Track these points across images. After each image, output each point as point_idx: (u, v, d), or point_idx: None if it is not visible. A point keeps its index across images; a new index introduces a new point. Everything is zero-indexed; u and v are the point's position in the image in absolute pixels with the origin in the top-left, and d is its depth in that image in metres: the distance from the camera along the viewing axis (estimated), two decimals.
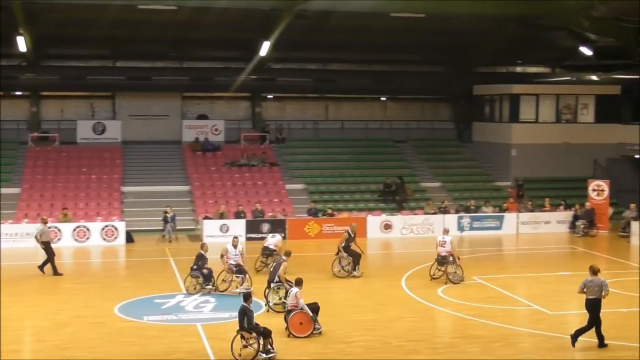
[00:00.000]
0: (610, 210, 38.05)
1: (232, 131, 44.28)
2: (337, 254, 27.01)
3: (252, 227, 34.62)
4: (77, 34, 37.43)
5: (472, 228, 36.28)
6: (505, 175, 42.87)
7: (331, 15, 35.17)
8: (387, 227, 35.64)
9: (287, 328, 19.56)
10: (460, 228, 36.15)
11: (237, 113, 46.44)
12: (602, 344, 18.85)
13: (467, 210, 37.33)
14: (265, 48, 37.43)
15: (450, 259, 25.93)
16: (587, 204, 37.21)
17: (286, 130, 45.31)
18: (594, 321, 18.93)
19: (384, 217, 36.29)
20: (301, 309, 19.49)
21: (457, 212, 37.28)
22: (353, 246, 27.23)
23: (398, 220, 36.00)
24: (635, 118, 44.90)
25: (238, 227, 34.39)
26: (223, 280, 24.30)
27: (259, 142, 43.94)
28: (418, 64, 46.16)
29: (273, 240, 27.63)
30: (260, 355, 17.63)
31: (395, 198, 39.02)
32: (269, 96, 46.71)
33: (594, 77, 45.89)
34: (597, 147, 42.94)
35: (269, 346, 17.80)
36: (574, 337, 18.89)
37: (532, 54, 46.37)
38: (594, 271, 19.33)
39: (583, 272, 26.76)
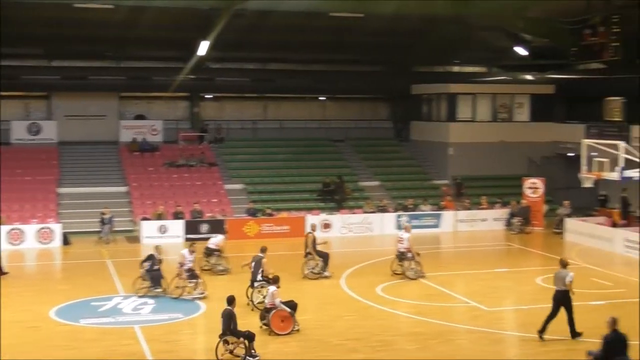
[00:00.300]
0: (545, 208, 38.70)
1: (171, 131, 43.96)
2: (306, 256, 26.81)
3: (191, 227, 34.40)
4: (11, 32, 36.71)
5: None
6: (442, 173, 43.33)
7: (270, 14, 35.09)
8: (326, 226, 35.73)
9: (267, 326, 19.76)
10: (399, 227, 36.37)
11: (176, 113, 46.12)
12: (574, 335, 19.45)
13: (405, 208, 37.64)
14: (203, 48, 37.18)
15: (409, 255, 26.34)
16: (523, 201, 37.81)
17: (225, 130, 45.11)
18: (556, 312, 19.60)
19: (323, 216, 36.39)
20: (276, 306, 19.67)
21: (395, 210, 37.57)
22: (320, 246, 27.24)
23: (337, 219, 36.14)
24: (568, 117, 45.78)
25: (176, 228, 34.18)
26: (177, 286, 23.87)
27: (197, 142, 43.70)
28: (357, 64, 46.32)
29: (214, 240, 27.64)
30: (248, 359, 17.59)
31: (334, 197, 39.15)
32: (207, 96, 46.47)
33: (529, 77, 46.59)
34: (532, 146, 43.67)
35: (253, 350, 17.75)
36: (572, 330, 19.56)
37: (468, 54, 46.86)
38: (564, 264, 20.14)
39: (519, 269, 27.35)
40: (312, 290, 25.03)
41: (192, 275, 23.83)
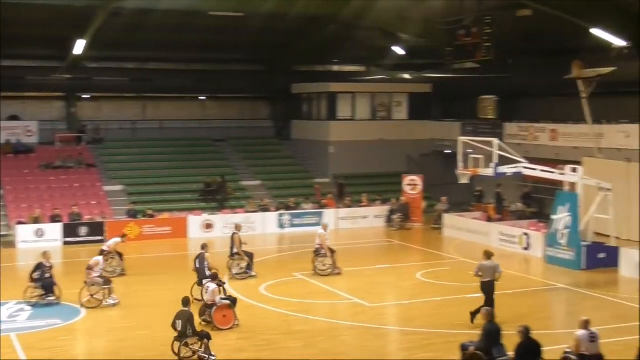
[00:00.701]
0: (424, 204, 39.54)
1: (47, 132, 42.71)
2: (233, 256, 26.69)
3: (69, 231, 33.61)
4: None
5: (292, 225, 36.77)
6: (324, 172, 43.70)
7: (149, 13, 34.61)
8: (209, 226, 35.54)
9: (206, 322, 19.95)
10: (281, 225, 36.58)
11: (51, 113, 44.88)
12: (475, 315, 20.30)
13: (287, 207, 37.80)
14: (80, 46, 36.38)
15: (322, 251, 26.84)
16: (402, 198, 38.55)
17: (103, 130, 44.20)
18: (489, 302, 20.34)
19: (205, 216, 36.17)
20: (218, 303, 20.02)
21: (277, 209, 37.68)
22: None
23: (219, 219, 35.98)
24: (445, 115, 46.94)
25: (54, 231, 33.32)
26: (91, 295, 22.92)
27: (75, 144, 42.65)
28: (237, 63, 46.27)
29: (108, 242, 27.40)
30: (211, 358, 17.63)
31: (216, 197, 38.96)
32: (84, 96, 45.40)
33: (407, 76, 47.61)
34: (410, 144, 44.55)
35: (209, 349, 17.80)
36: (473, 314, 20.39)
37: (347, 53, 47.44)
38: (488, 256, 21.24)
39: (400, 265, 27.88)
40: (196, 292, 24.78)
41: (106, 281, 23.23)
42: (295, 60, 46.89)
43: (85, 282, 22.91)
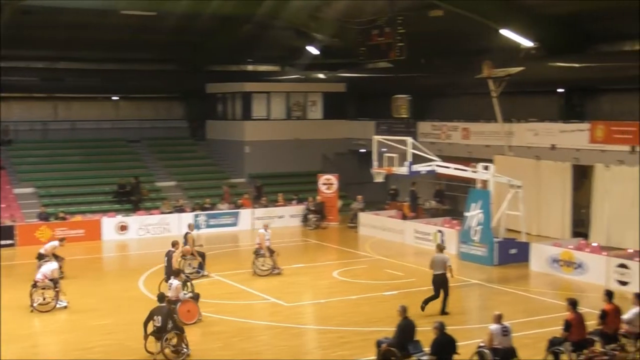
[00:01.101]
0: (340, 203, 39.79)
1: None
2: (185, 256, 26.23)
3: None
4: None
5: (208, 225, 36.53)
6: (239, 172, 43.57)
7: (59, 12, 34.00)
8: (123, 228, 35.05)
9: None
10: (197, 226, 36.27)
11: None
12: (444, 312, 21.42)
13: (203, 208, 37.56)
14: None
15: (261, 251, 26.92)
16: (318, 197, 38.71)
17: (13, 132, 43.08)
18: (438, 293, 21.66)
19: (120, 218, 35.65)
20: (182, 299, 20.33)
21: (193, 210, 37.39)
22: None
23: (134, 220, 35.51)
24: (359, 114, 47.33)
25: None
26: (45, 299, 22.41)
27: None
28: (150, 63, 45.76)
29: (45, 245, 26.93)
30: (187, 350, 18.01)
31: (131, 198, 38.44)
32: None
33: (321, 76, 47.86)
34: (325, 143, 44.78)
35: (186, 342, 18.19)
36: (424, 303, 21.47)
37: (262, 53, 47.45)
38: (440, 249, 22.60)
39: (317, 264, 27.98)
40: (109, 294, 24.47)
41: (55, 283, 22.78)
42: (209, 59, 46.64)
43: (35, 285, 22.40)
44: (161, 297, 18.67)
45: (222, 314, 21.79)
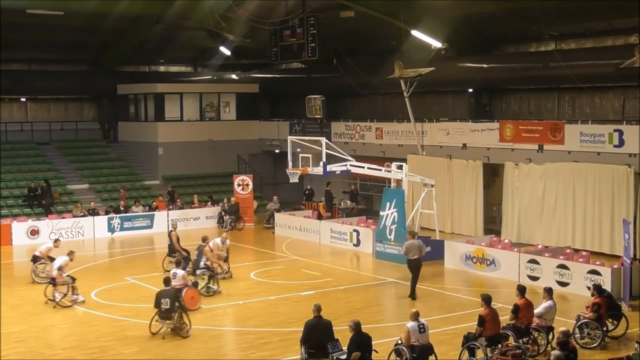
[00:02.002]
0: (255, 204, 39.74)
1: None
2: (171, 254, 26.99)
3: None
4: None
5: (122, 228, 36.02)
6: (153, 173, 43.12)
7: None
8: (34, 232, 34.23)
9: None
10: (111, 229, 35.78)
11: None
12: (413, 297, 23.32)
13: (117, 210, 37.00)
14: None
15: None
16: (233, 198, 38.56)
17: None
18: (417, 275, 23.60)
19: (30, 222, 34.80)
20: (186, 284, 21.75)
21: (107, 213, 36.80)
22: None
23: (45, 224, 34.72)
24: (273, 115, 47.43)
25: None
26: (64, 294, 23.08)
27: None
28: (58, 63, 44.92)
29: (40, 247, 26.87)
30: (189, 327, 19.93)
31: (41, 202, 37.63)
32: None
33: (234, 76, 47.76)
34: (239, 143, 44.68)
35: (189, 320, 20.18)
36: (412, 292, 23.44)
37: (174, 54, 47.11)
38: (413, 235, 24.69)
39: (233, 265, 27.83)
40: (19, 301, 23.88)
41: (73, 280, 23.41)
42: (120, 60, 46.07)
43: (53, 282, 23.10)
44: (167, 281, 20.68)
45: (138, 318, 21.50)
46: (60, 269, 23.12)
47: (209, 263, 24.82)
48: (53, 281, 23.16)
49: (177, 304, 19.84)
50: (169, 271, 26.39)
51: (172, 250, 27.26)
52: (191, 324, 19.95)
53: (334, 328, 16.42)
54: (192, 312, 21.16)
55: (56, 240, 27.09)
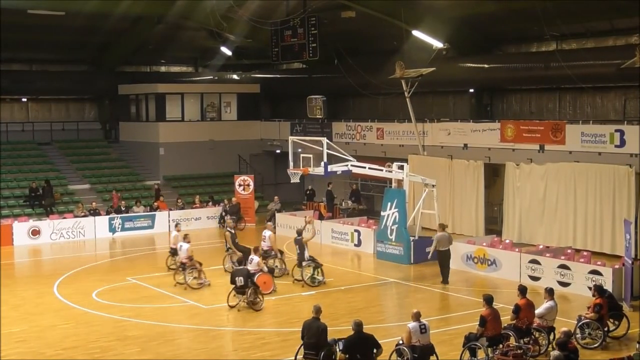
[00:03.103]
0: (256, 204, 39.74)
1: None
2: (227, 250, 27.67)
3: None
4: None
5: (124, 229, 36.02)
6: (154, 174, 43.10)
7: None
8: (35, 233, 34.26)
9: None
10: (112, 229, 35.79)
11: None
12: (446, 282, 25.14)
13: (118, 211, 37.01)
14: None
15: (272, 253, 26.78)
16: (234, 198, 38.56)
17: None
18: (448, 266, 25.35)
19: (32, 222, 34.82)
20: (261, 270, 23.58)
21: (108, 213, 36.81)
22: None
23: (47, 225, 34.73)
24: (274, 115, 47.42)
25: None
26: (194, 278, 25.26)
27: None
28: (59, 63, 44.94)
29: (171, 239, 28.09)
30: (262, 302, 22.36)
31: (42, 202, 37.66)
32: None
33: (235, 77, 47.76)
34: (240, 144, 44.66)
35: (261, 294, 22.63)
36: (445, 278, 25.20)
37: (175, 54, 47.12)
38: (443, 227, 25.95)
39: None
40: (21, 301, 23.90)
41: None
42: (121, 60, 46.10)
43: (183, 267, 25.23)
44: (240, 262, 23.34)
45: (140, 318, 21.53)
46: (189, 255, 25.30)
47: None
48: (183, 266, 25.23)
49: (250, 281, 22.07)
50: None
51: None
52: (263, 297, 22.40)
53: (335, 328, 16.42)
54: (198, 311, 21.15)
55: (177, 225, 28.78)
